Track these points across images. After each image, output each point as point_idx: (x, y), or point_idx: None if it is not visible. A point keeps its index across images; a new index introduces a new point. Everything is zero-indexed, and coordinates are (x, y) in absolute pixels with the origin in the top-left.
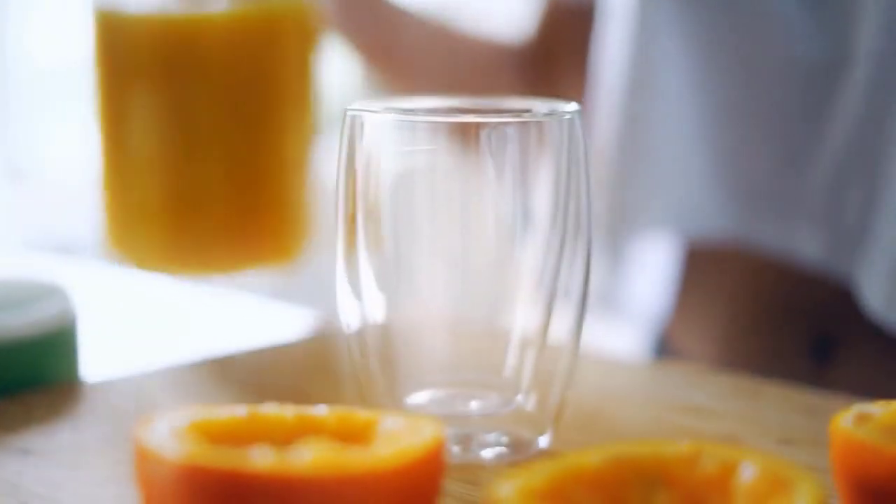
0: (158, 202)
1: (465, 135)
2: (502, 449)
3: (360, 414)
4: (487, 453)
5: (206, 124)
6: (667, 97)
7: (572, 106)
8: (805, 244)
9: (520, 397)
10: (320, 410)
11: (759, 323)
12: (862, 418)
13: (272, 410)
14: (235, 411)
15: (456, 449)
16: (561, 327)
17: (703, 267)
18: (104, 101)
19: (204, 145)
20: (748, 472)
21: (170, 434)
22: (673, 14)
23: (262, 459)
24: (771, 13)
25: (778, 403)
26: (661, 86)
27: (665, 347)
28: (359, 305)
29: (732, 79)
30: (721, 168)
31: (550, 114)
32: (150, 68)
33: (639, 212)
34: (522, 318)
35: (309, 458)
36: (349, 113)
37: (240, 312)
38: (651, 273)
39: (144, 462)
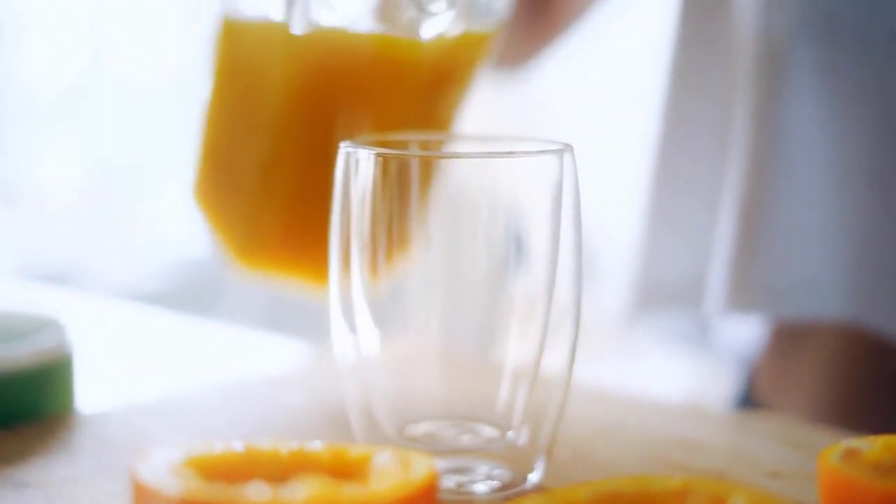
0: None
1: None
2: (495, 483)
3: (354, 450)
4: (480, 487)
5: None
6: (796, 175)
7: (564, 142)
8: None
9: (511, 432)
10: (314, 446)
11: (864, 399)
12: (849, 454)
13: (268, 446)
14: (232, 446)
15: (448, 483)
16: (553, 361)
17: (802, 332)
18: (220, 108)
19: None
20: None
21: (167, 469)
22: (814, 89)
23: (258, 496)
24: None
25: (767, 437)
26: (790, 162)
27: (752, 400)
28: (353, 339)
29: (878, 157)
30: (848, 250)
31: (542, 149)
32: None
33: (745, 291)
34: (515, 352)
35: (303, 494)
36: (344, 149)
37: (235, 344)
38: (743, 330)
39: (141, 497)
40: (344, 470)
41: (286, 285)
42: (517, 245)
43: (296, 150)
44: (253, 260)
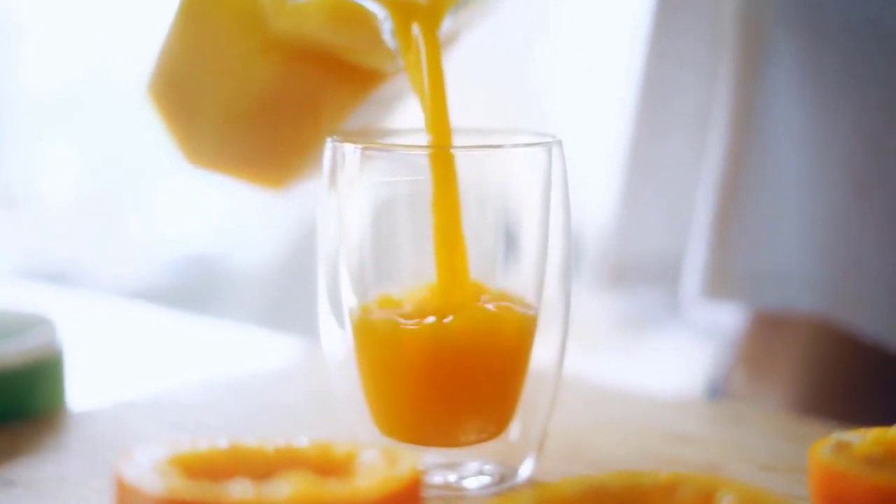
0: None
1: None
2: (486, 478)
3: (339, 446)
4: (471, 482)
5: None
6: (774, 165)
7: (555, 135)
8: None
9: None
10: (300, 442)
11: (840, 397)
12: (840, 447)
13: (252, 443)
14: (216, 444)
15: (439, 478)
16: (544, 355)
17: (776, 326)
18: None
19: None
20: (726, 502)
21: (150, 468)
22: (795, 78)
23: (241, 493)
24: None
25: (761, 430)
26: (769, 152)
27: (726, 388)
28: (342, 334)
29: (857, 150)
30: (823, 243)
31: (532, 142)
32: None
33: (719, 279)
34: None
35: (287, 491)
36: (330, 143)
37: (227, 341)
38: (719, 316)
39: (125, 496)
40: (329, 466)
41: (236, 183)
42: (507, 238)
43: (268, 83)
44: (207, 162)
